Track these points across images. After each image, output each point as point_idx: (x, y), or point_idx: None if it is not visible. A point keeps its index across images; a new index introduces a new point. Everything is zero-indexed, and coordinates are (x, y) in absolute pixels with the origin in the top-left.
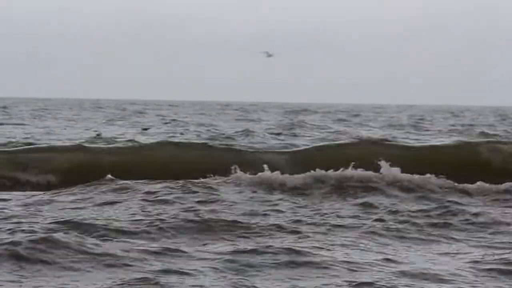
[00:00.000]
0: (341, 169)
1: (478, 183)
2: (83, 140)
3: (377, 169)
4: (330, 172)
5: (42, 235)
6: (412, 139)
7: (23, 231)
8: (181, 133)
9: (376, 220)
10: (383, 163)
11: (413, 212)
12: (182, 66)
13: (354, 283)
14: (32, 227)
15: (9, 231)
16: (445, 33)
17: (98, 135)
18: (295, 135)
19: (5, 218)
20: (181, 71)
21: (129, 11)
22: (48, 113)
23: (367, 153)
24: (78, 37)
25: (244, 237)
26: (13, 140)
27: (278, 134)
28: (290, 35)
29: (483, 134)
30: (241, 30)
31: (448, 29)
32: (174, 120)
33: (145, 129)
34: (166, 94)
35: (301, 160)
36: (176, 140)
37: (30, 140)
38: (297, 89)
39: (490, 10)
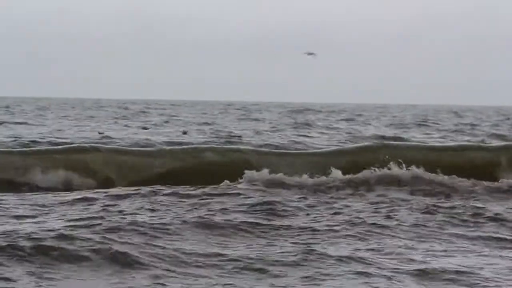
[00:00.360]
0: (362, 171)
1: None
2: (88, 140)
3: (397, 169)
4: (350, 176)
5: (63, 233)
6: (427, 140)
7: (45, 229)
8: (184, 132)
9: (392, 218)
10: (403, 164)
11: (435, 209)
12: (182, 66)
13: (368, 281)
14: (53, 225)
15: (32, 229)
16: (445, 33)
17: (100, 133)
18: (304, 135)
19: (26, 217)
20: (181, 71)
21: (129, 11)
22: (50, 112)
23: (388, 154)
24: (78, 37)
25: (261, 237)
26: (19, 138)
27: (287, 134)
28: (290, 35)
29: (494, 136)
30: (241, 30)
31: (448, 29)
32: (179, 119)
33: (145, 128)
34: (166, 94)
35: (322, 162)
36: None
37: (37, 139)
38: (298, 89)
39: (490, 10)
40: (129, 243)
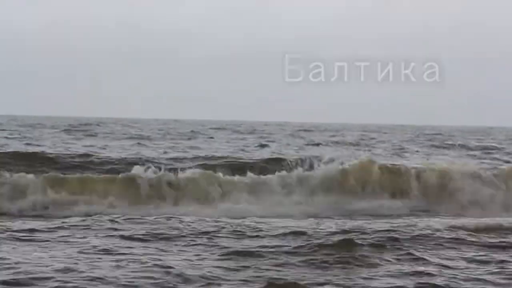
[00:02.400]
0: None
1: None
2: None
3: None
4: None
5: None
6: None
7: None
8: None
9: None
10: None
11: None
12: (190, 82)
13: None
14: None
15: None
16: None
17: None
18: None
19: None
20: (189, 88)
21: (124, 27)
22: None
23: None
24: (71, 51)
25: None
26: None
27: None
28: (287, 49)
29: None
30: (236, 45)
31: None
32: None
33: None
34: (171, 112)
35: None
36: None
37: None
38: (294, 107)
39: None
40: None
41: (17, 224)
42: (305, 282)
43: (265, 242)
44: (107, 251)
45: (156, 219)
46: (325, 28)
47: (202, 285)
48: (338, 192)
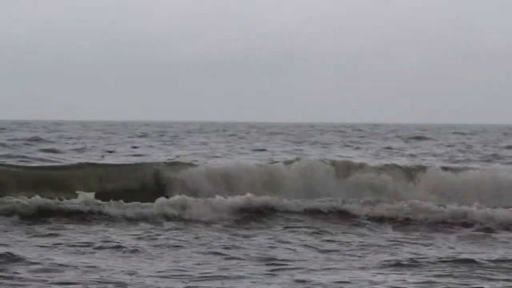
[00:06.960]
0: None
1: None
2: None
3: None
4: None
5: None
6: None
7: None
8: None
9: None
10: None
11: None
12: (178, 86)
13: None
14: None
15: None
16: (423, 51)
17: None
18: None
19: None
20: (176, 92)
21: (99, 30)
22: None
23: None
24: (59, 57)
25: None
26: None
27: None
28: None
29: None
30: (218, 50)
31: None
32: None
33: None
34: (160, 115)
35: None
36: None
37: None
38: (288, 108)
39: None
40: None
41: None
42: None
43: None
44: None
45: None
46: (324, 28)
47: None
48: None
